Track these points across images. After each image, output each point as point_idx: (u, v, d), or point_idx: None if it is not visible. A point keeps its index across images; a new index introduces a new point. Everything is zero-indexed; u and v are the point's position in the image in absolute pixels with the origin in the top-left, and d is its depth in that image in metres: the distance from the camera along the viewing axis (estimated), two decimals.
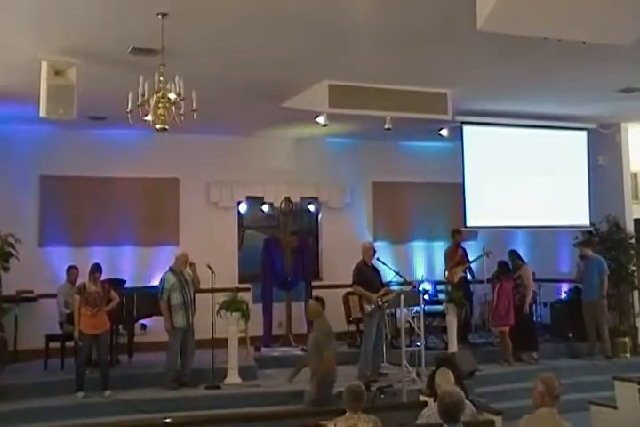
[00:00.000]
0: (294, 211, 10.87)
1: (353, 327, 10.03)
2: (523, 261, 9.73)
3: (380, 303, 8.12)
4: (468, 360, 8.33)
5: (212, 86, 7.33)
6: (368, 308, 8.17)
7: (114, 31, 5.89)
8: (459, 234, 10.28)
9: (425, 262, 11.62)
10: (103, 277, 8.20)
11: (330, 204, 11.35)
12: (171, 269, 8.29)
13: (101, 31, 5.90)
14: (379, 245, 10.50)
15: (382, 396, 7.14)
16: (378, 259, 8.61)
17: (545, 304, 10.36)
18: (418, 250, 11.70)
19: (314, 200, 11.45)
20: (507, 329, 9.16)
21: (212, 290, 8.15)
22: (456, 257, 10.21)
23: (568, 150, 10.42)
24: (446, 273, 10.22)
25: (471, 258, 10.30)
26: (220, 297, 8.16)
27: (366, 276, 8.37)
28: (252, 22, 5.77)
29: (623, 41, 5.18)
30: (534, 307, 10.02)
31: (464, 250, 10.35)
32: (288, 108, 8.39)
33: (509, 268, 9.50)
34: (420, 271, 11.11)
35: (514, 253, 9.82)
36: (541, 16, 4.74)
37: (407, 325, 8.38)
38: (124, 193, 10.18)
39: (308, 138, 10.93)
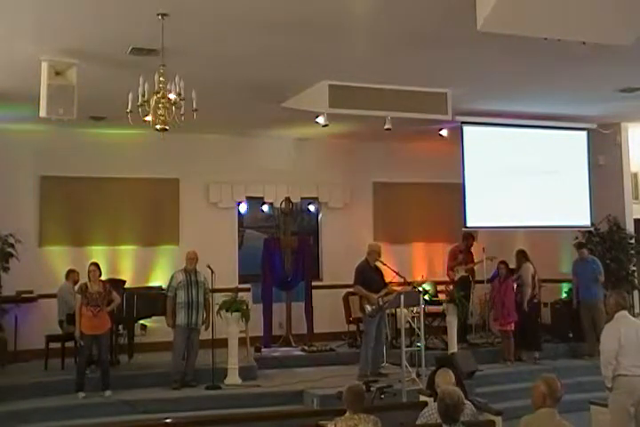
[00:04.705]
0: (294, 211, 10.87)
1: (353, 327, 10.04)
2: (527, 260, 9.75)
3: (380, 303, 8.12)
4: (468, 360, 8.33)
5: (211, 86, 7.33)
6: (368, 308, 8.17)
7: (114, 31, 5.89)
8: (472, 239, 10.41)
9: (425, 263, 11.62)
10: (103, 278, 8.22)
11: (330, 204, 11.35)
12: (183, 268, 8.34)
13: (101, 31, 5.90)
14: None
15: (382, 396, 7.13)
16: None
17: (545, 304, 10.36)
18: (418, 250, 11.70)
19: (314, 200, 11.45)
20: (511, 327, 9.22)
21: (212, 290, 8.16)
22: (459, 258, 10.31)
23: (568, 150, 10.41)
24: (448, 272, 10.34)
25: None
26: (220, 297, 8.17)
27: (368, 276, 8.36)
28: (251, 22, 5.77)
29: (623, 41, 5.19)
30: (540, 307, 10.03)
31: (470, 253, 10.41)
32: (288, 108, 8.38)
33: (508, 267, 9.57)
34: (420, 272, 11.10)
35: (520, 253, 9.84)
36: (541, 16, 4.74)
37: (407, 325, 8.38)
38: (124, 193, 10.18)
39: (308, 138, 10.94)
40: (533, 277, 9.60)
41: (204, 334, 8.17)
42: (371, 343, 8.24)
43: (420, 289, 8.50)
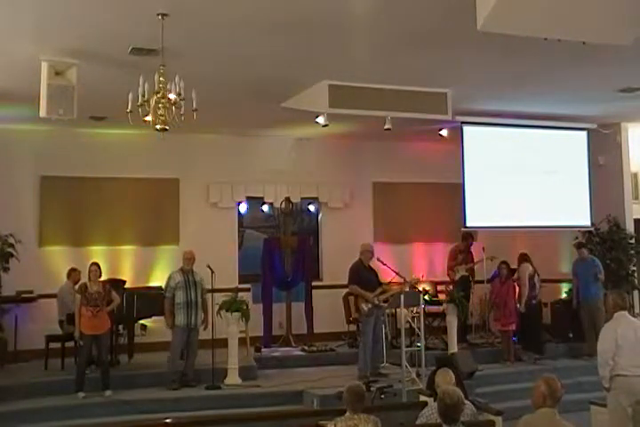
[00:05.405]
0: (294, 211, 10.87)
1: (353, 327, 10.03)
2: (525, 261, 9.76)
3: (376, 302, 8.13)
4: (468, 361, 8.34)
5: (212, 86, 7.34)
6: (364, 307, 8.17)
7: (114, 31, 5.89)
8: (472, 238, 10.45)
9: (425, 263, 11.62)
10: (103, 278, 8.22)
11: (330, 204, 11.35)
12: (180, 268, 8.32)
13: (101, 31, 5.90)
14: (379, 245, 10.52)
15: (382, 396, 7.13)
16: (378, 259, 8.60)
17: (545, 304, 10.37)
18: (418, 250, 11.70)
19: (314, 200, 11.45)
20: (512, 328, 9.24)
21: (212, 290, 8.15)
22: (459, 258, 10.33)
23: (568, 150, 10.42)
24: (448, 272, 10.38)
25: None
26: (220, 297, 8.16)
27: (363, 276, 8.36)
28: (252, 22, 5.77)
29: (623, 41, 5.18)
30: (540, 307, 10.06)
31: (470, 252, 10.43)
32: (288, 108, 8.38)
33: (510, 268, 9.60)
34: (420, 272, 11.09)
35: (521, 255, 9.89)
36: (541, 16, 4.74)
37: (407, 325, 8.38)
38: (124, 193, 10.18)
39: (308, 138, 10.94)
40: (532, 278, 9.61)
41: (204, 334, 8.16)
42: (368, 343, 8.24)
43: (416, 288, 8.53)
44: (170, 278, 8.28)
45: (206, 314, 8.23)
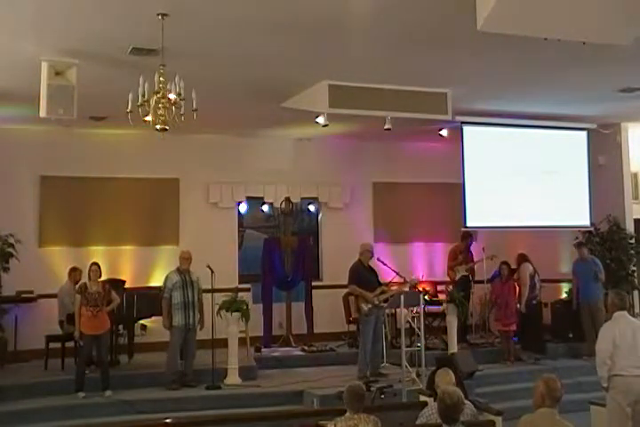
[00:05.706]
0: (294, 211, 10.87)
1: (353, 327, 10.03)
2: (525, 260, 9.77)
3: (376, 302, 8.13)
4: (468, 360, 8.33)
5: (212, 86, 7.34)
6: (364, 307, 8.17)
7: (114, 31, 5.89)
8: (471, 237, 10.45)
9: (425, 263, 11.62)
10: (103, 278, 8.22)
11: (330, 204, 11.35)
12: (177, 268, 8.32)
13: (101, 31, 5.90)
14: (379, 245, 10.52)
15: (382, 396, 7.13)
16: (378, 259, 8.61)
17: (545, 304, 10.37)
18: (418, 250, 11.70)
19: (314, 200, 11.45)
20: (513, 328, 9.25)
21: (212, 290, 8.15)
22: (459, 258, 10.33)
23: (568, 150, 10.41)
24: (449, 272, 10.38)
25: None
26: (220, 297, 8.16)
27: (362, 276, 8.36)
28: (252, 22, 5.77)
29: (623, 41, 5.19)
30: (541, 308, 10.07)
31: (470, 252, 10.42)
32: (288, 108, 8.38)
33: (511, 268, 9.61)
34: (420, 272, 11.10)
35: (520, 255, 9.89)
36: (541, 16, 4.75)
37: (407, 325, 8.38)
38: (124, 193, 10.18)
39: (308, 138, 10.94)
40: (532, 278, 9.62)
41: (204, 334, 8.15)
42: (368, 344, 8.23)
43: (416, 288, 8.54)
44: (167, 279, 8.27)
45: (202, 314, 8.23)
